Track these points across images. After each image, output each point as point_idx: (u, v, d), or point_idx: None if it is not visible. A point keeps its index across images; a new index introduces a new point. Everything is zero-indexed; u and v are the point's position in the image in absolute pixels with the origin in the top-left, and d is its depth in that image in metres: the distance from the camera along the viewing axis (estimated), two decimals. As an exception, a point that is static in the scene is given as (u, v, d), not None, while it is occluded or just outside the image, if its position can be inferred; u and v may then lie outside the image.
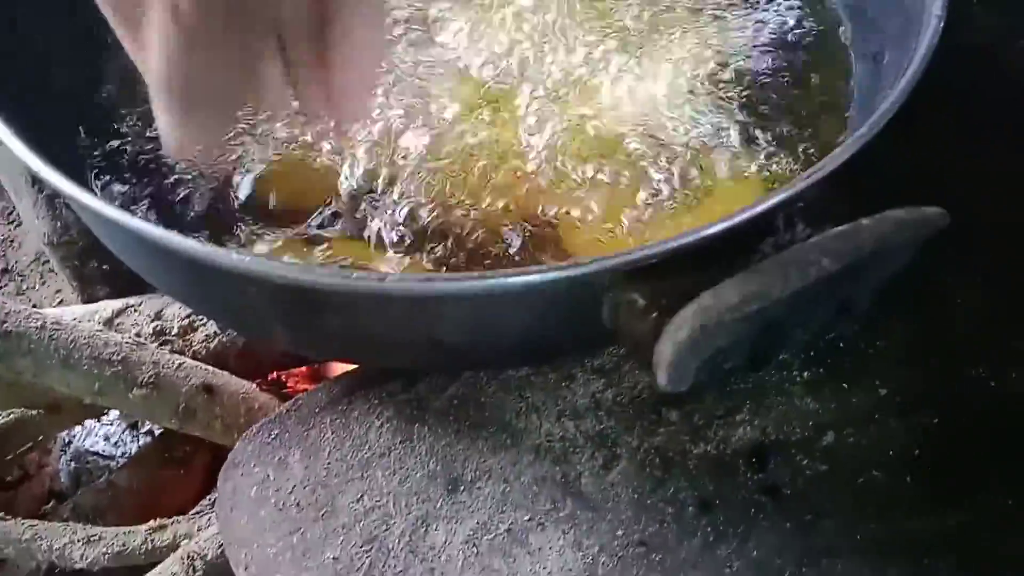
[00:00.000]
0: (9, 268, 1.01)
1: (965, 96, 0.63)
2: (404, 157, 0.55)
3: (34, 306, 0.98)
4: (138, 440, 0.79)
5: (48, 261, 1.01)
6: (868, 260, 0.39)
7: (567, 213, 0.54)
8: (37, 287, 0.99)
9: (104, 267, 0.73)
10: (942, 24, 0.47)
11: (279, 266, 0.40)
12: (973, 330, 0.53)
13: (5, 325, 0.62)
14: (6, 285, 0.99)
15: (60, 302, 0.97)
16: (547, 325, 0.44)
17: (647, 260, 0.40)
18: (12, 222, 1.04)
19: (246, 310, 0.47)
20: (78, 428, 0.82)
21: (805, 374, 0.53)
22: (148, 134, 0.58)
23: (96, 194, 0.55)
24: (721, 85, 0.59)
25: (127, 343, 0.64)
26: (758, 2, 0.62)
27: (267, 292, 0.43)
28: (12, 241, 1.03)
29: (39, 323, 0.63)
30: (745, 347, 0.40)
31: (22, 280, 1.00)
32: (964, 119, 0.63)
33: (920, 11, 0.50)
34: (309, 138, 0.55)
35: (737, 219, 0.40)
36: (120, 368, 0.63)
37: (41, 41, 0.58)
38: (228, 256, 0.40)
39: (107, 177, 0.58)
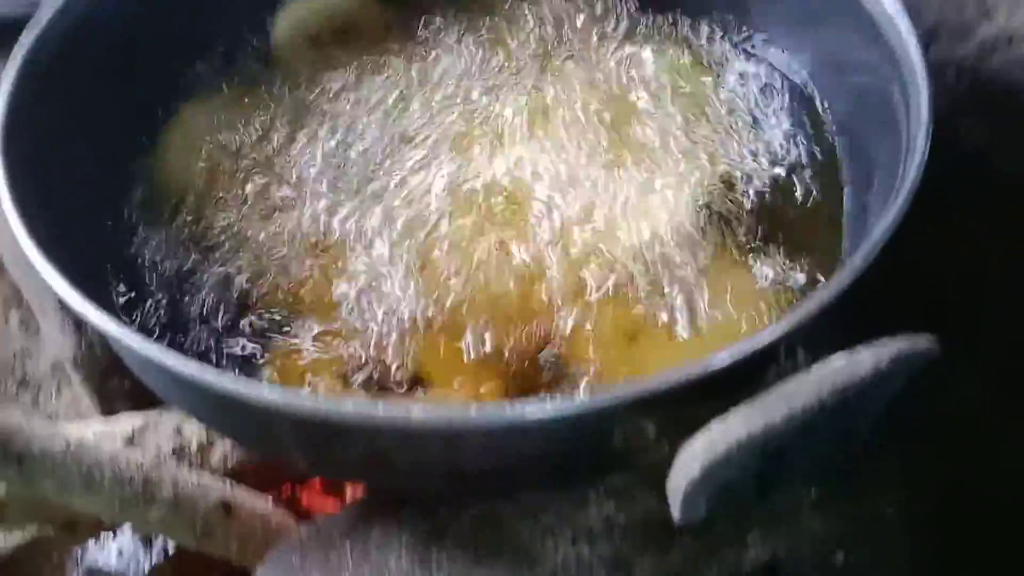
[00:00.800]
0: (26, 379, 1.02)
1: (954, 206, 0.65)
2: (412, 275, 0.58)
3: (50, 416, 0.99)
4: (151, 558, 0.79)
5: (66, 371, 1.02)
6: (866, 390, 0.41)
7: (578, 334, 0.56)
8: (53, 398, 1.00)
9: (126, 383, 0.75)
10: (926, 157, 0.50)
11: (305, 398, 0.42)
12: (976, 449, 0.55)
13: (30, 446, 0.63)
14: (23, 397, 1.00)
15: (77, 412, 0.99)
16: (564, 453, 0.45)
17: (658, 391, 0.42)
18: (30, 333, 1.06)
19: (270, 438, 0.49)
20: (91, 541, 0.83)
21: (813, 492, 0.54)
22: (170, 253, 0.61)
23: (123, 318, 0.58)
24: (722, 206, 0.61)
25: (147, 462, 0.66)
26: (757, 128, 0.66)
27: (291, 423, 0.45)
28: (29, 351, 1.05)
29: (63, 444, 0.64)
30: (752, 477, 0.42)
31: (38, 391, 1.02)
32: (955, 227, 0.66)
33: (907, 142, 0.53)
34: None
35: (740, 352, 0.43)
36: (140, 488, 0.64)
37: (67, 170, 0.61)
38: (253, 389, 0.43)
39: (131, 294, 0.60)
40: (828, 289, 0.45)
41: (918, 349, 0.41)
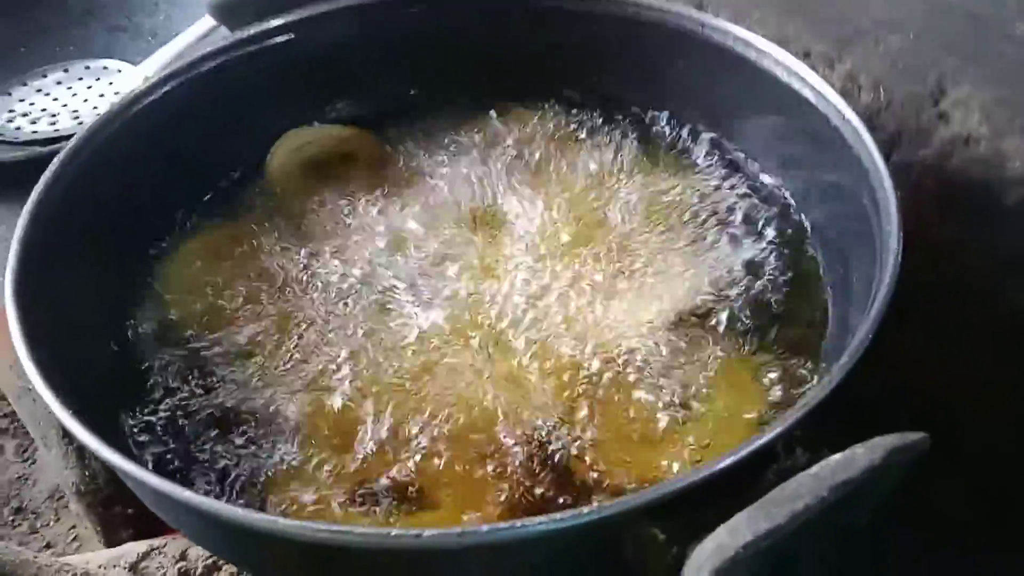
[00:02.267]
0: (23, 506, 1.02)
1: (925, 302, 0.68)
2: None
3: (48, 544, 0.98)
4: None
5: (63, 498, 1.02)
6: (863, 485, 0.43)
7: (574, 438, 0.57)
8: (51, 524, 1.00)
9: (128, 511, 0.75)
10: (900, 259, 0.53)
11: (317, 527, 0.43)
12: (971, 541, 0.56)
13: (36, 580, 0.63)
14: (20, 524, 1.00)
15: (74, 538, 0.98)
16: (575, 562, 0.46)
17: (665, 497, 0.43)
18: (27, 460, 1.06)
19: (284, 568, 0.49)
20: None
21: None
22: (176, 382, 0.63)
23: (132, 449, 0.59)
24: (710, 311, 0.64)
25: (153, 590, 0.66)
26: (737, 234, 0.69)
27: (303, 551, 0.45)
28: (27, 479, 1.04)
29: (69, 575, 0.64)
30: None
31: (36, 518, 1.01)
32: (927, 323, 0.68)
33: (880, 245, 0.56)
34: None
35: (741, 454, 0.44)
36: (147, 617, 0.64)
37: (75, 304, 0.63)
38: (266, 520, 0.44)
39: (138, 422, 0.61)
40: (819, 390, 0.47)
41: (909, 444, 0.43)
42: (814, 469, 0.43)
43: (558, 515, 0.43)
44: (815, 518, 0.41)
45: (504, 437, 0.57)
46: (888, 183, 0.56)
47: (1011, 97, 0.70)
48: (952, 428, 0.63)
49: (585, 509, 0.43)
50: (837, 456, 0.43)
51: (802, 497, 0.41)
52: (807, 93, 0.64)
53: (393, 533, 0.42)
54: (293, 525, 0.44)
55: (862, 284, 0.59)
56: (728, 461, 0.44)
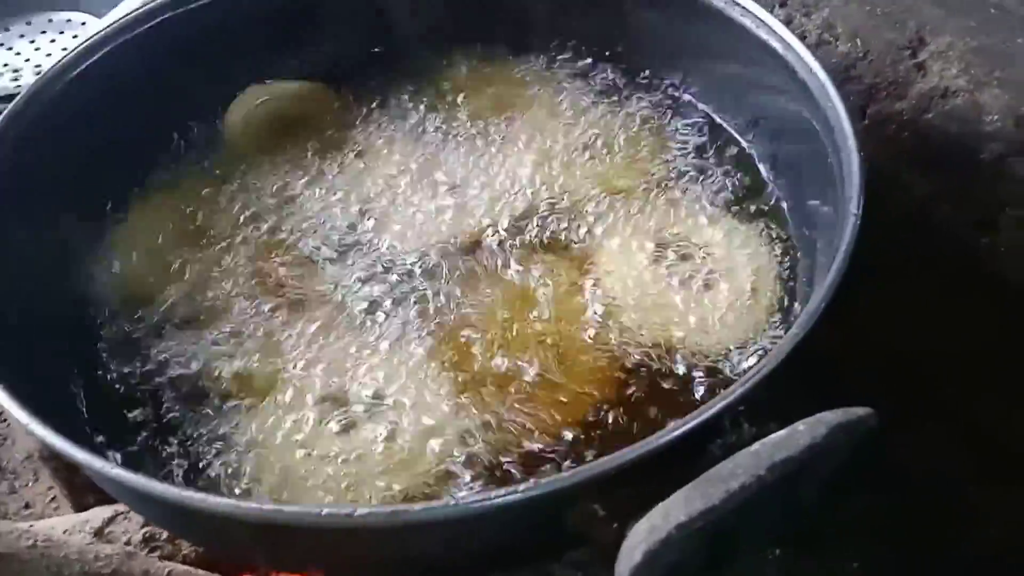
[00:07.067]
0: (2, 467, 1.02)
1: (900, 263, 0.66)
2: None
3: (27, 504, 0.98)
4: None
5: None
6: (804, 463, 0.41)
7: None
8: (30, 484, 1.00)
9: (94, 476, 0.75)
10: (859, 223, 0.51)
11: (253, 507, 0.42)
12: (933, 501, 0.55)
13: (-4, 547, 0.63)
14: (0, 484, 1.00)
15: (53, 499, 0.98)
16: (516, 537, 0.46)
17: (604, 474, 0.42)
18: (5, 420, 1.05)
19: (228, 542, 0.49)
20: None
21: (777, 552, 0.55)
22: (130, 354, 0.62)
23: (85, 428, 0.58)
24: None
25: (117, 554, 0.65)
26: (699, 187, 0.67)
27: (245, 529, 0.45)
28: (5, 439, 1.04)
29: (30, 542, 0.64)
30: (702, 552, 0.42)
31: (15, 478, 1.01)
32: (898, 286, 0.66)
33: (841, 207, 0.53)
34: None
35: (682, 429, 0.43)
36: (110, 582, 0.64)
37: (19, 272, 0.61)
38: (206, 500, 0.43)
39: (92, 396, 0.61)
40: (768, 360, 0.46)
41: (854, 421, 0.42)
42: (754, 447, 0.42)
43: (494, 493, 0.42)
44: (754, 496, 0.40)
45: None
46: (852, 143, 0.54)
47: (991, 47, 0.67)
48: (922, 389, 0.62)
49: (522, 487, 0.42)
50: (779, 433, 0.42)
51: (738, 477, 0.40)
52: (774, 44, 0.62)
53: (325, 512, 0.41)
54: (228, 504, 0.43)
55: (825, 246, 0.58)
56: (669, 437, 0.43)
